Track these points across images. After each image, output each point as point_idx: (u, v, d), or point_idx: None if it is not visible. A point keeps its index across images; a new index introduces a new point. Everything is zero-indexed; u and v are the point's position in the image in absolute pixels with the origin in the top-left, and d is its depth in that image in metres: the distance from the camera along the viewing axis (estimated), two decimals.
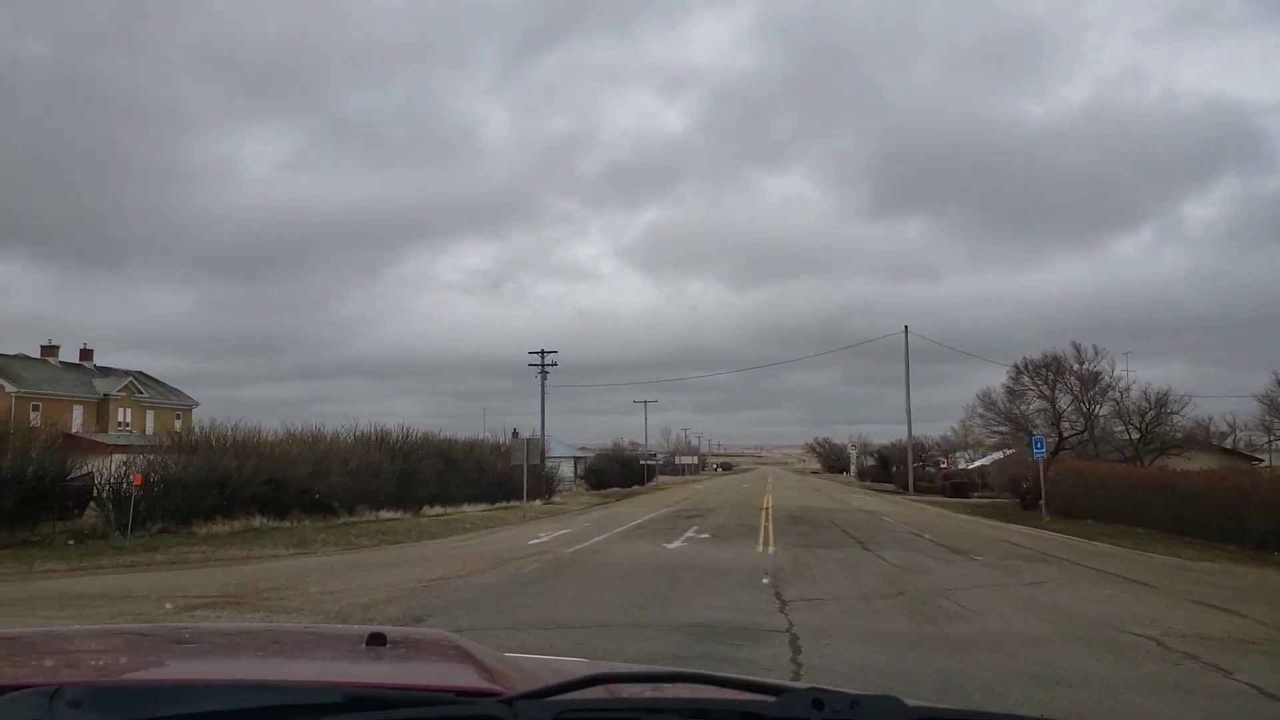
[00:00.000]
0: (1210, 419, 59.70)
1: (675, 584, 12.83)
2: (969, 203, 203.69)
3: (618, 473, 69.02)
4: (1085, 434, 46.30)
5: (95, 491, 22.91)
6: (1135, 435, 43.18)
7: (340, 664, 1.93)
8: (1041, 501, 31.25)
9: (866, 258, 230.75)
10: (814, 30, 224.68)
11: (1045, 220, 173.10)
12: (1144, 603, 12.07)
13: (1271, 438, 56.56)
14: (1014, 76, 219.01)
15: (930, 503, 46.71)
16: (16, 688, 1.27)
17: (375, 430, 36.37)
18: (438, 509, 34.64)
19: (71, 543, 20.23)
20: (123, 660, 1.96)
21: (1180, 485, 24.47)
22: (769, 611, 10.46)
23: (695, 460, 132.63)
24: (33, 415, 37.26)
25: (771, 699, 1.28)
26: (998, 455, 72.55)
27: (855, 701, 1.21)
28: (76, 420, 47.16)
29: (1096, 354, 46.48)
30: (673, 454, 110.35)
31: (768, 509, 33.16)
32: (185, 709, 1.26)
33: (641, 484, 71.71)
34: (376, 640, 1.88)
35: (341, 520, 28.90)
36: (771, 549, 17.75)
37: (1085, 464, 35.53)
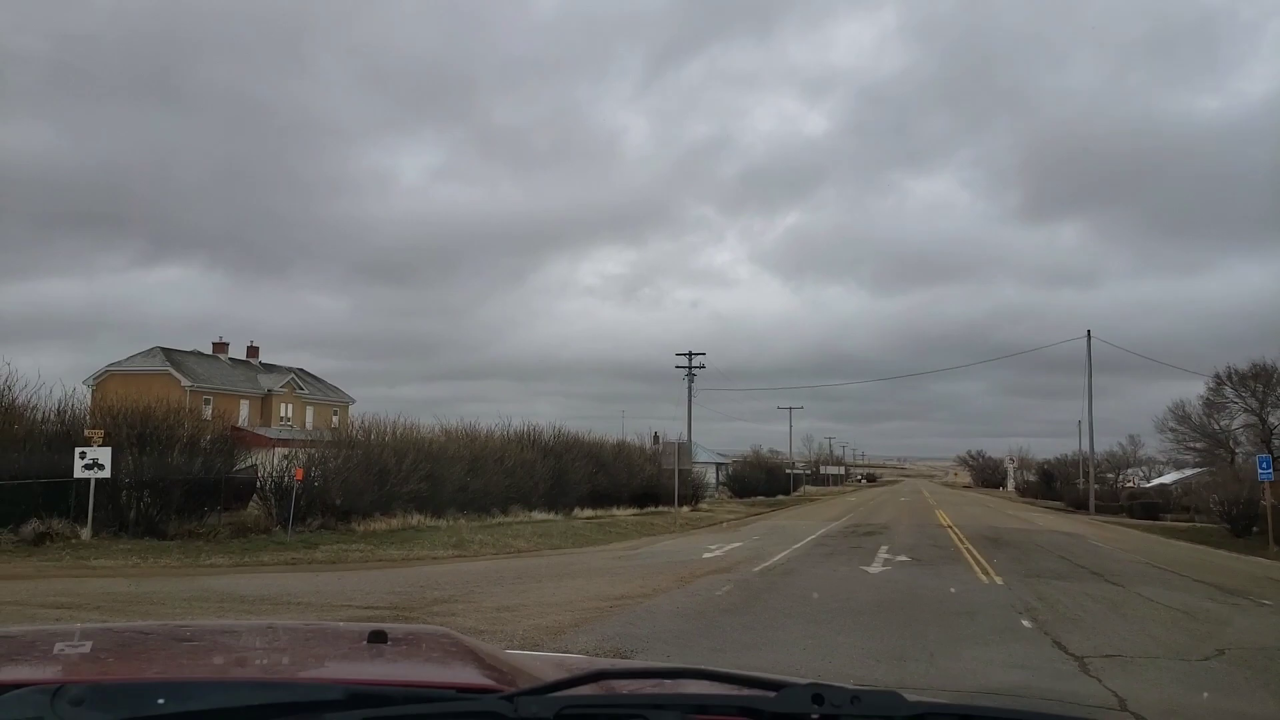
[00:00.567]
0: None
1: (916, 623, 10.54)
2: (1132, 205, 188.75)
3: (762, 481, 66.40)
4: None
5: (258, 484, 22.60)
6: None
7: (342, 661, 1.90)
8: (1262, 529, 26.82)
9: (1018, 263, 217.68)
10: (964, 28, 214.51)
11: (1219, 223, 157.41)
12: None
13: None
14: (1185, 70, 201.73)
15: (1121, 524, 41.92)
16: (18, 685, 1.28)
17: (528, 429, 35.46)
18: (588, 512, 33.42)
19: (234, 538, 19.76)
20: (124, 658, 1.90)
21: None
22: (1068, 674, 8.06)
23: (842, 471, 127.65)
24: (204, 408, 38.41)
25: (772, 694, 1.26)
26: (1178, 474, 65.65)
27: (856, 696, 1.21)
28: (243, 414, 48.74)
29: None
30: (815, 463, 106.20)
31: (950, 527, 30.02)
32: (187, 706, 1.24)
33: (786, 494, 68.74)
34: (378, 637, 1.85)
35: (496, 520, 28.07)
36: (998, 579, 15.08)
37: None
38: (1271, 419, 49.38)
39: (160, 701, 1.25)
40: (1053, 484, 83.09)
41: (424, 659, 1.98)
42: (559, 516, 30.96)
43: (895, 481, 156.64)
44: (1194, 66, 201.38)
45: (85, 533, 17.55)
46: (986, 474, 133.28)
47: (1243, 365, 43.49)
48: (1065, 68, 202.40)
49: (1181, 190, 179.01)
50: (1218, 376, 43.52)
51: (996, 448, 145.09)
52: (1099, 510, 51.48)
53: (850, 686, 1.23)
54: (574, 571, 16.13)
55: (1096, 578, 16.03)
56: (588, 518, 31.57)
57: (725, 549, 20.47)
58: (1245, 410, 50.30)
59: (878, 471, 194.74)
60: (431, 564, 18.07)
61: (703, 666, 1.46)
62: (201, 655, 1.93)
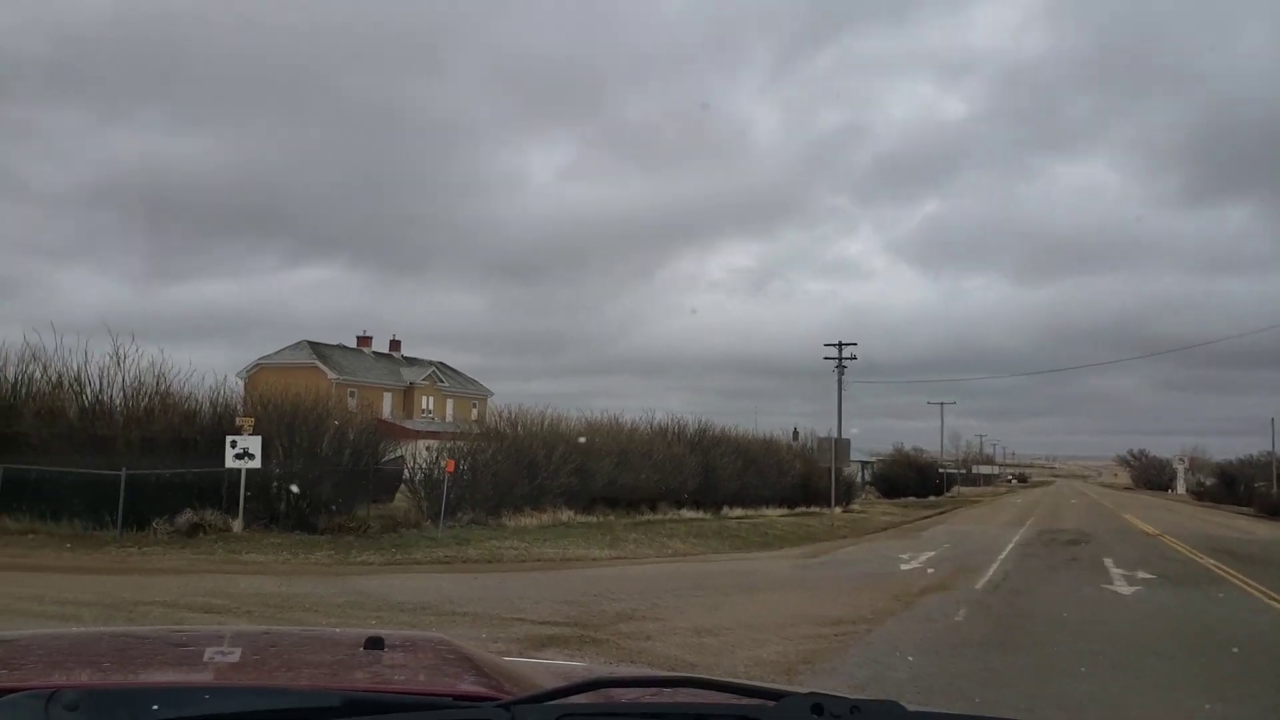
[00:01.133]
0: None
1: (1249, 673, 7.96)
2: None
3: (912, 480, 62.46)
4: None
5: (408, 476, 21.67)
6: None
7: (338, 667, 1.86)
8: None
9: (1176, 250, 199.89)
10: (1119, 1, 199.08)
11: None
12: None
13: None
14: None
15: None
16: (13, 690, 1.25)
17: (673, 422, 33.58)
18: (738, 510, 31.43)
19: (384, 532, 18.73)
20: (120, 663, 1.84)
21: None
22: None
23: (996, 470, 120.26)
24: (350, 400, 38.53)
25: (771, 703, 1.27)
26: None
27: (855, 706, 1.21)
28: (386, 407, 49.11)
29: None
30: (965, 462, 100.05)
31: (1160, 536, 26.32)
32: (182, 712, 1.22)
33: (938, 494, 64.42)
34: (374, 644, 1.82)
35: (645, 517, 26.59)
36: None
37: None
38: None
39: (155, 708, 1.21)
40: (1235, 487, 75.10)
41: (421, 666, 1.91)
42: (708, 515, 29.25)
43: (1047, 482, 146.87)
44: None
45: (237, 525, 16.82)
46: (1150, 475, 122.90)
47: None
48: (1233, 40, 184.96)
49: None
50: None
51: (1157, 446, 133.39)
52: None
53: (850, 697, 1.22)
54: (757, 584, 14.09)
55: None
56: (738, 517, 29.63)
57: (920, 559, 17.93)
58: None
59: (1026, 471, 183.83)
60: (591, 566, 16.49)
61: (702, 675, 1.43)
62: (197, 660, 1.87)
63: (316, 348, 49.15)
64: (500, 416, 26.91)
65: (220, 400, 19.38)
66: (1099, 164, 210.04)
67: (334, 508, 18.70)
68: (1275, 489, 57.05)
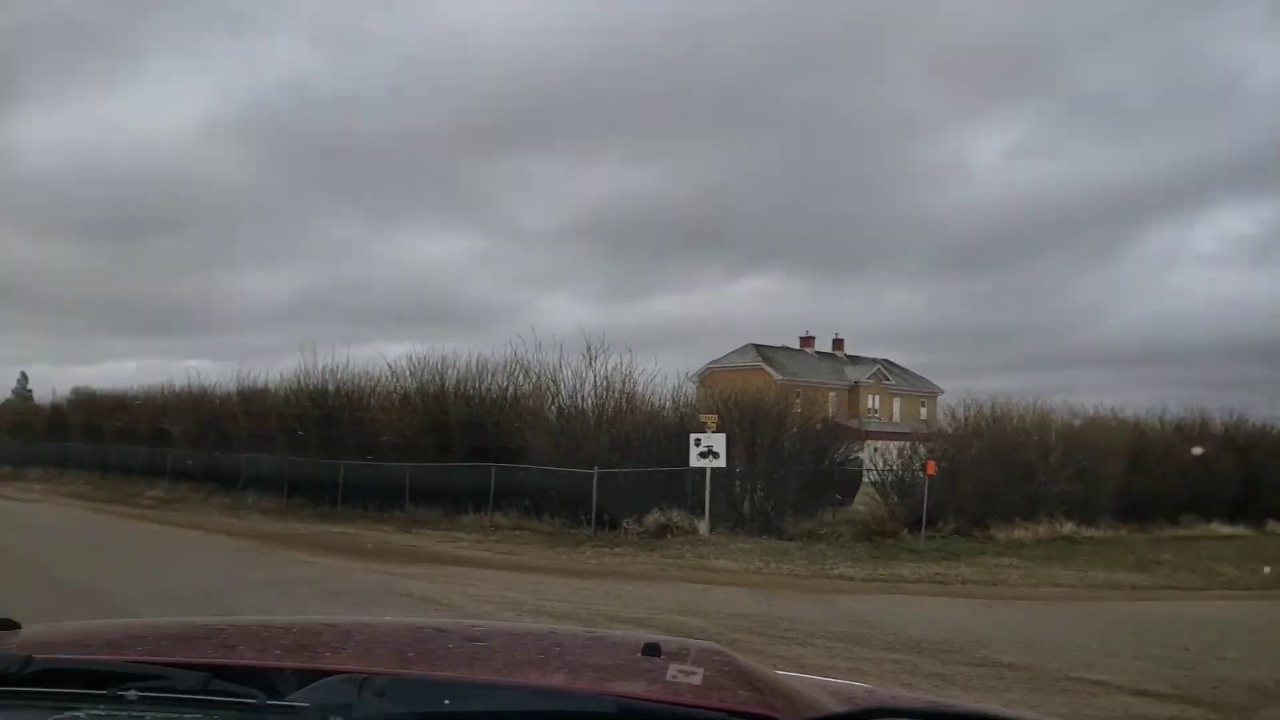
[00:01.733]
0: None
1: None
2: None
3: None
4: None
5: (876, 479, 19.48)
6: None
7: (615, 673, 1.79)
8: None
9: None
10: None
11: None
12: None
13: None
14: None
15: None
16: (332, 673, 1.34)
17: (1194, 416, 27.06)
18: None
19: (856, 541, 16.65)
20: (421, 655, 1.88)
21: None
22: None
23: None
24: (795, 400, 37.61)
25: None
26: None
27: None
28: (830, 407, 47.73)
29: None
30: None
31: None
32: (471, 706, 1.31)
33: None
34: (651, 650, 1.77)
35: (1167, 532, 21.65)
36: None
37: None
38: None
39: (446, 701, 1.30)
40: None
41: (696, 677, 1.75)
42: (1248, 530, 23.28)
43: None
44: None
45: (703, 527, 15.94)
46: None
47: None
48: None
49: None
50: None
51: None
52: None
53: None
54: None
55: None
56: None
57: None
58: None
59: None
60: (1131, 597, 12.74)
61: (999, 711, 1.32)
62: (486, 657, 1.87)
63: (761, 350, 49.65)
64: (979, 411, 23.40)
65: (680, 400, 19.36)
66: None
67: (800, 512, 17.17)
68: None
